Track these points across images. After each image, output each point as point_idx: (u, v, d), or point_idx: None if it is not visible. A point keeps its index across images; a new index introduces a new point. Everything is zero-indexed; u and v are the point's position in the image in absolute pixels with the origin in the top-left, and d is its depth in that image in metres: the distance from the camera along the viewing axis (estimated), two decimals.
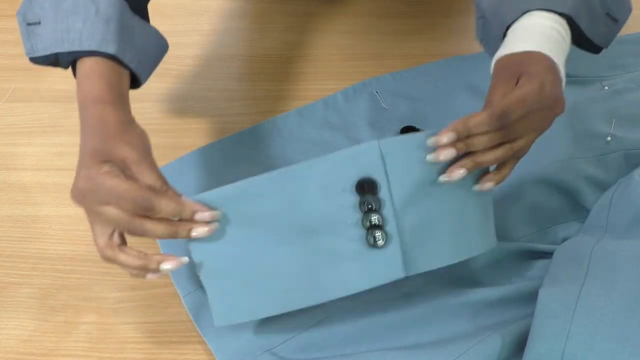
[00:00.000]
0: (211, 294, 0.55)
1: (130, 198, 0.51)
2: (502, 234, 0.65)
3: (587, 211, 0.67)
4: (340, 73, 0.86)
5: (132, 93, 0.82)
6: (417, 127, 0.76)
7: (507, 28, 0.62)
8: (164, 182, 0.53)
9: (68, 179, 0.74)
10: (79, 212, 0.71)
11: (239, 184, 0.53)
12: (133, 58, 0.62)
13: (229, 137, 0.76)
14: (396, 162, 0.52)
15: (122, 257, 0.54)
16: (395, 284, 0.56)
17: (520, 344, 0.55)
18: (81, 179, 0.54)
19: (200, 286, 0.62)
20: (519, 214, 0.67)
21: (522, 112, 0.53)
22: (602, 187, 0.68)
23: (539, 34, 0.59)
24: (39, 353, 0.61)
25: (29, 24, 0.63)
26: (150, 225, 0.52)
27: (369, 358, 0.57)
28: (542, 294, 0.54)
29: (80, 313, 0.63)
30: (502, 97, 0.55)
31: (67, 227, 0.70)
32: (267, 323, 0.60)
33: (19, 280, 0.66)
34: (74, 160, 0.75)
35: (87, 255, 0.68)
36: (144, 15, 0.66)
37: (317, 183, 0.53)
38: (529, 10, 0.60)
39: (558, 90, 0.56)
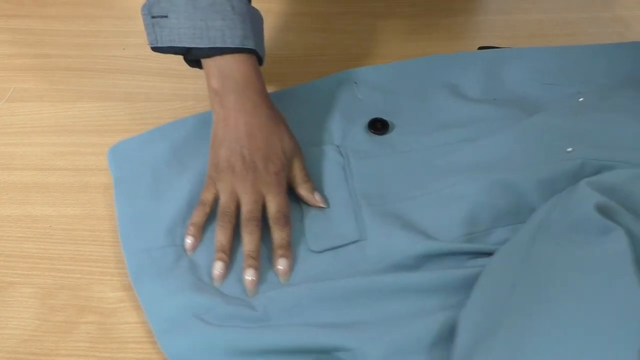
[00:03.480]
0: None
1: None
2: (441, 232, 0.65)
3: None
4: None
5: (134, 93, 0.83)
6: (386, 119, 0.77)
7: None
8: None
9: (68, 179, 0.74)
10: (79, 212, 0.72)
11: None
12: (259, 44, 0.71)
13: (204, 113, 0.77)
14: None
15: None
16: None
17: (445, 333, 0.56)
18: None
19: (147, 248, 0.65)
20: (462, 213, 0.66)
21: None
22: (554, 193, 0.65)
23: None
24: (40, 353, 0.61)
25: (153, 17, 0.69)
26: None
27: (286, 332, 0.58)
28: (464, 313, 0.56)
29: (81, 313, 0.63)
30: None
31: (67, 227, 0.70)
32: (200, 291, 0.62)
33: (19, 280, 0.66)
34: (74, 160, 0.76)
35: (87, 255, 0.68)
36: None
37: None
38: None
39: None
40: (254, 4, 0.72)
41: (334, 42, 0.90)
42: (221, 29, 0.67)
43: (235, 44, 0.68)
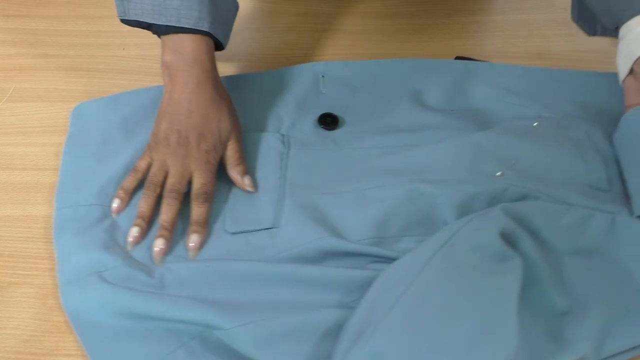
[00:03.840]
0: None
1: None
2: (351, 231, 0.66)
3: None
4: None
5: None
6: (339, 115, 0.77)
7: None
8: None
9: None
10: None
11: None
12: (220, 29, 0.72)
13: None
14: None
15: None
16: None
17: (336, 330, 0.57)
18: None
19: (76, 204, 0.68)
20: (375, 216, 0.66)
21: None
22: (471, 212, 0.64)
23: None
24: (40, 353, 0.61)
25: None
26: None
27: (171, 302, 0.60)
28: (352, 313, 0.56)
29: None
30: None
31: None
32: (108, 251, 0.64)
33: (19, 280, 0.66)
34: None
35: None
36: None
37: None
38: None
39: None
40: (258, 3, 0.72)
41: (334, 42, 0.90)
42: (177, 9, 0.69)
43: (189, 24, 0.69)
